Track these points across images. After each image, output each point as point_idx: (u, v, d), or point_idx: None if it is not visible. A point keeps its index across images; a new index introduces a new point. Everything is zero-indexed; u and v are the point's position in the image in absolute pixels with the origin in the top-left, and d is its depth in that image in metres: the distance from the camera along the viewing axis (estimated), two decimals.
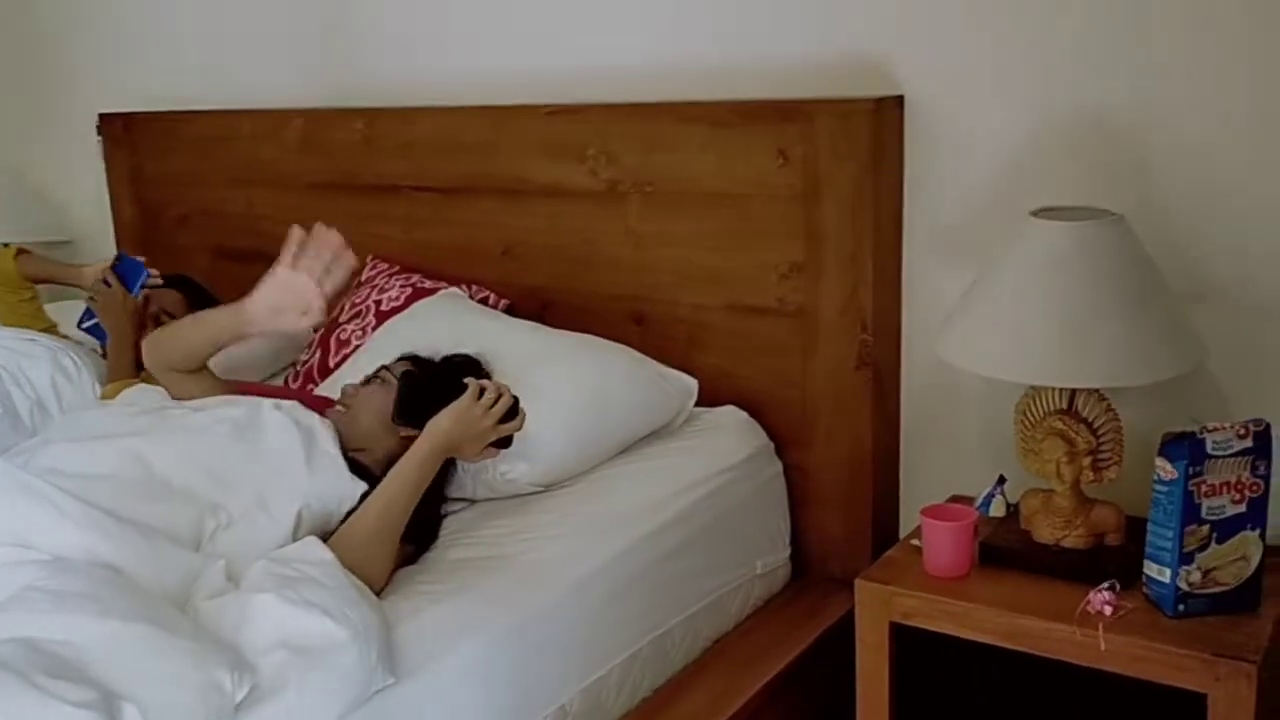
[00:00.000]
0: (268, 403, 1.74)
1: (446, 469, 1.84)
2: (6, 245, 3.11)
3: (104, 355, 2.44)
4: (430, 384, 1.75)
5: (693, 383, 2.08)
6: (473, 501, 1.87)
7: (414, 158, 2.52)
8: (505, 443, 1.74)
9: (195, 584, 1.37)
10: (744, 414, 2.10)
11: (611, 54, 2.31)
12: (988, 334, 1.67)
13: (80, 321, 2.49)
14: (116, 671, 1.12)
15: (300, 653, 1.25)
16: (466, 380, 1.72)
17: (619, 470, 1.92)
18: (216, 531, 1.50)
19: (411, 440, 1.66)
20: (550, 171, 2.32)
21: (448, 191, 2.48)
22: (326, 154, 2.66)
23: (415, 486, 1.60)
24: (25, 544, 1.33)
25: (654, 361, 2.09)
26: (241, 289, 2.67)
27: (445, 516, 1.80)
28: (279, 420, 1.69)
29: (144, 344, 1.87)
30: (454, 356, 1.89)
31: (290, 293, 1.70)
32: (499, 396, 1.69)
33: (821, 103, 1.97)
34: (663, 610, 1.79)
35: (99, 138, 3.15)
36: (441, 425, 1.64)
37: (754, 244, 2.08)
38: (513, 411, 1.71)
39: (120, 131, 3.07)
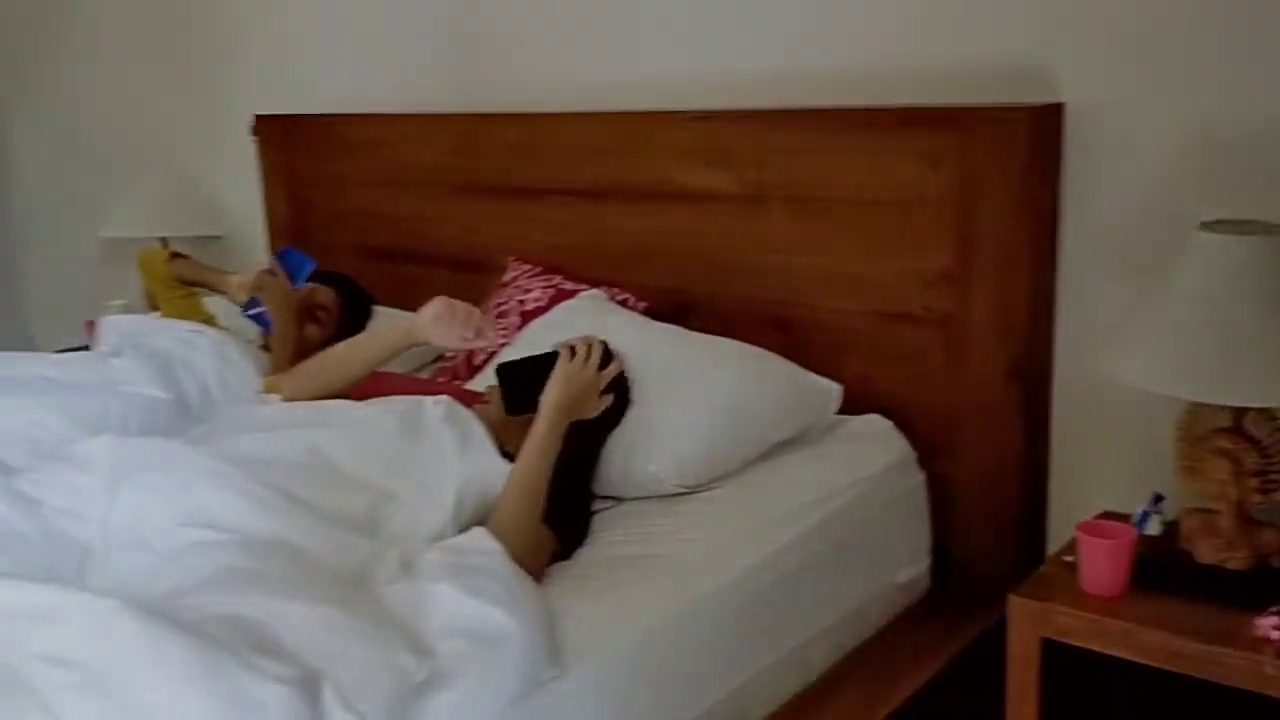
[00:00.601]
0: (428, 399, 1.80)
1: (592, 468, 1.88)
2: (165, 244, 3.29)
3: (264, 345, 2.54)
4: (524, 368, 1.79)
5: (836, 388, 2.07)
6: (620, 500, 1.91)
7: (558, 162, 2.57)
8: (617, 388, 1.81)
9: (372, 569, 1.43)
10: (887, 422, 2.09)
11: (758, 60, 2.33)
12: (1153, 347, 1.64)
13: (245, 309, 2.59)
14: (309, 651, 1.17)
15: (475, 641, 1.30)
16: (554, 347, 1.79)
17: (762, 475, 1.93)
18: (387, 518, 1.56)
19: None
20: (693, 177, 2.34)
21: (590, 195, 2.53)
22: (475, 158, 2.74)
23: (543, 461, 1.65)
24: (215, 526, 1.41)
25: (797, 366, 2.10)
26: (387, 287, 2.79)
27: (596, 514, 1.83)
28: (437, 413, 1.76)
29: (286, 380, 1.94)
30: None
31: (458, 310, 1.77)
32: (589, 347, 1.77)
33: (978, 110, 1.96)
34: (804, 618, 1.80)
35: (253, 138, 3.29)
36: (551, 397, 1.71)
37: (902, 251, 2.06)
38: (608, 355, 1.79)
39: (276, 133, 3.20)
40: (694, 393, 1.93)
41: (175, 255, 2.74)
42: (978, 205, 1.96)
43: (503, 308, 2.50)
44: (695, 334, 2.19)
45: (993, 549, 2.05)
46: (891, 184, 2.06)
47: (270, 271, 2.51)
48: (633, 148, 2.43)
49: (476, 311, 1.79)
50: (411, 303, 2.79)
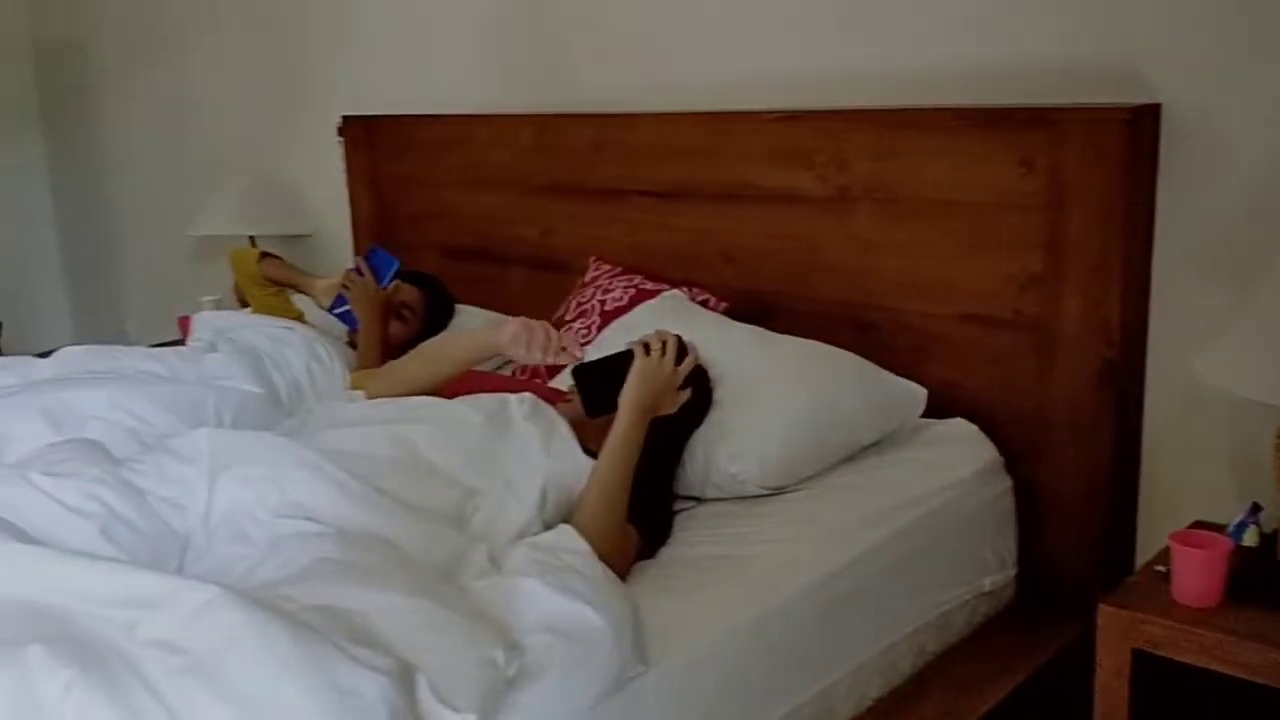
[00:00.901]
0: (512, 397, 1.82)
1: (674, 466, 1.89)
2: (254, 244, 3.38)
3: (350, 342, 2.60)
4: (600, 369, 1.79)
5: (921, 392, 2.05)
6: (700, 500, 1.91)
7: (638, 162, 2.58)
8: (697, 383, 1.82)
9: (460, 563, 1.45)
10: (973, 427, 2.06)
11: (842, 58, 2.31)
12: (1250, 353, 1.59)
13: (332, 307, 2.64)
14: (404, 643, 1.20)
15: (562, 637, 1.31)
16: (629, 345, 1.79)
17: (846, 478, 1.92)
18: (473, 513, 1.58)
19: None
20: (775, 177, 2.33)
21: (670, 195, 2.54)
22: (555, 159, 2.76)
23: (626, 460, 1.65)
24: (311, 518, 1.45)
25: (880, 369, 2.08)
26: (468, 286, 2.83)
27: (678, 513, 1.84)
28: (522, 411, 1.78)
29: (370, 383, 1.96)
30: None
31: (536, 332, 1.78)
32: (663, 343, 1.77)
33: (1071, 110, 1.92)
34: (889, 623, 1.78)
35: (340, 139, 3.36)
36: (629, 395, 1.71)
37: (990, 254, 2.04)
38: (684, 349, 1.79)
39: (361, 134, 3.26)
40: (777, 394, 1.93)
41: (265, 255, 2.81)
42: (1070, 207, 1.92)
43: (583, 307, 2.52)
44: (777, 335, 2.18)
45: (1081, 557, 2.01)
46: (980, 185, 2.03)
47: (357, 270, 2.56)
48: (713, 148, 2.43)
49: (555, 333, 1.78)
50: (492, 301, 2.86)
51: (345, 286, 2.57)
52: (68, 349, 2.30)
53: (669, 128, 2.52)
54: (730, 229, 2.44)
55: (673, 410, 1.79)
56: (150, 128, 4.22)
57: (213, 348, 2.45)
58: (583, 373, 1.79)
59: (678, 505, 1.87)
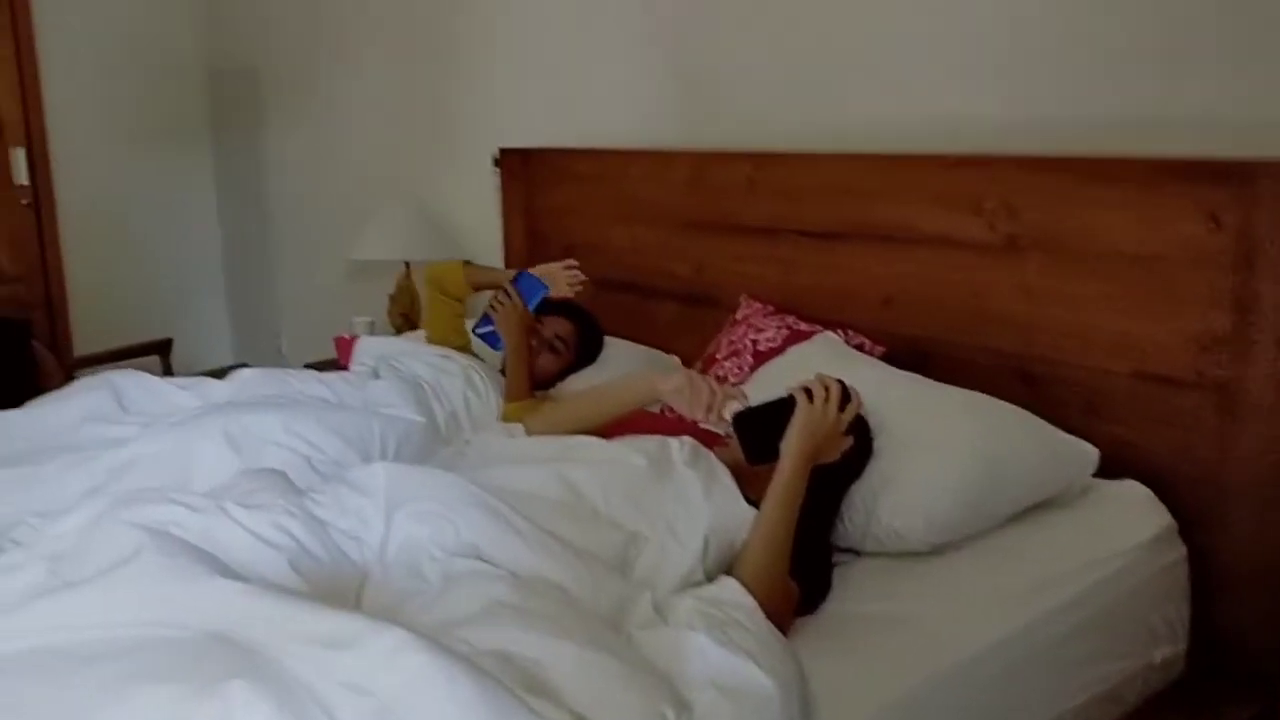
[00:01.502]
0: (673, 440, 1.82)
1: (832, 518, 1.86)
2: (409, 270, 3.47)
3: (502, 369, 2.63)
4: (761, 416, 1.74)
5: (1093, 451, 1.98)
6: (859, 553, 1.88)
7: (796, 201, 2.56)
8: (858, 429, 1.78)
9: (625, 611, 1.45)
10: (1146, 490, 1.98)
11: (1015, 104, 2.25)
12: None
13: (476, 326, 2.66)
14: (578, 694, 1.20)
15: (729, 695, 1.29)
16: (789, 391, 1.74)
17: (1011, 539, 1.86)
18: (635, 559, 1.59)
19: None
20: (941, 222, 2.29)
21: (828, 236, 2.51)
22: (709, 195, 2.76)
23: (789, 510, 1.63)
24: (484, 558, 1.47)
25: (1049, 425, 2.01)
26: (617, 318, 2.84)
27: (835, 566, 1.81)
28: (683, 455, 1.78)
29: (532, 419, 1.98)
30: None
31: (700, 389, 1.76)
32: (826, 388, 1.72)
33: (1263, 164, 1.83)
34: (1056, 694, 1.72)
35: (496, 169, 3.44)
36: (792, 444, 1.67)
37: (1171, 311, 1.95)
38: (846, 395, 1.74)
39: (517, 165, 3.33)
40: (942, 447, 1.88)
41: (467, 264, 2.82)
42: (1259, 266, 1.83)
43: (735, 345, 2.51)
44: (939, 384, 2.13)
45: (1262, 632, 1.90)
46: (1162, 240, 1.95)
47: (505, 294, 2.58)
48: (875, 189, 2.40)
49: (719, 392, 1.75)
50: (640, 334, 2.88)
51: (492, 308, 2.59)
52: (242, 371, 2.40)
53: (829, 167, 2.50)
54: (890, 272, 2.40)
55: (835, 458, 1.76)
56: (312, 152, 4.40)
57: (376, 374, 2.53)
58: (744, 419, 1.74)
59: (835, 558, 1.84)
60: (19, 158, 3.81)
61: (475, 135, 3.59)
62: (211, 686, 1.08)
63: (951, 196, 2.26)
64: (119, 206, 4.64)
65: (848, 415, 1.73)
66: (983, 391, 2.10)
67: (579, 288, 2.59)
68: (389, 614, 1.36)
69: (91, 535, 1.34)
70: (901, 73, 2.44)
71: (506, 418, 2.40)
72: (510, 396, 2.50)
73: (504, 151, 3.37)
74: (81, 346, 4.12)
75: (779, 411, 1.72)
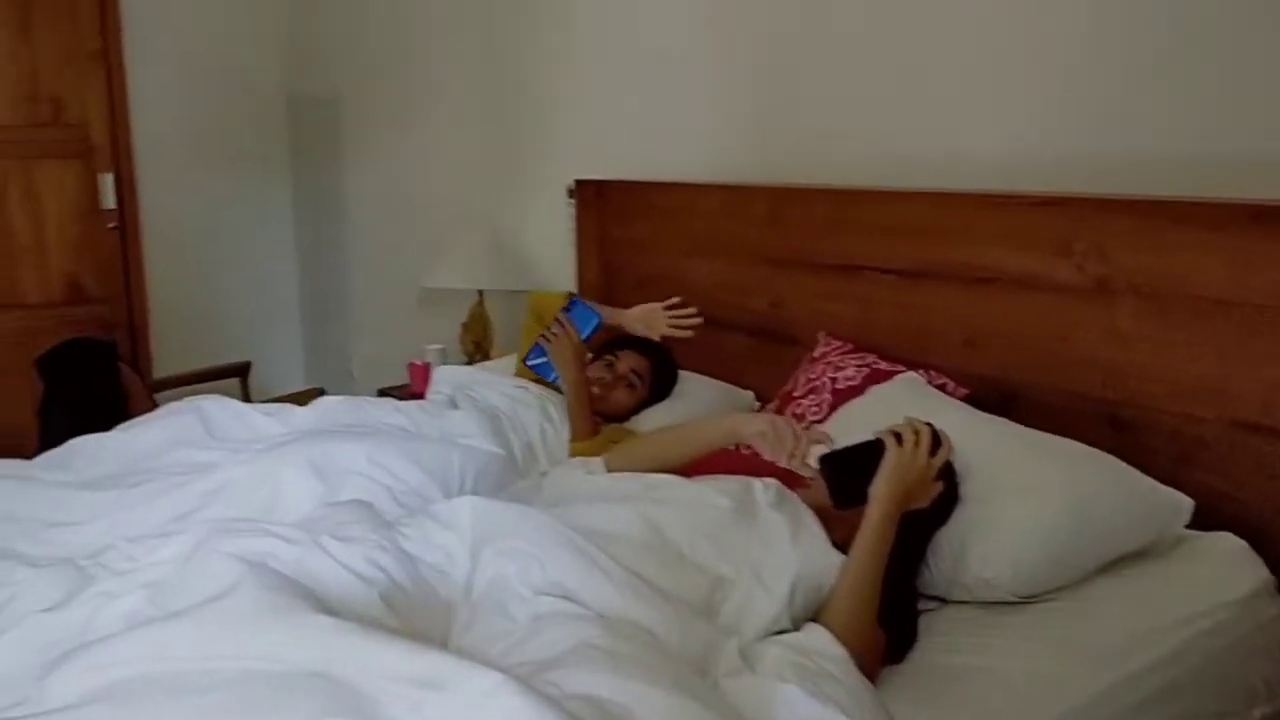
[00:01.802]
0: (756, 482, 1.81)
1: (918, 565, 1.83)
2: (481, 299, 3.50)
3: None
4: (849, 459, 1.71)
5: (1187, 502, 1.92)
6: (945, 601, 1.84)
7: (876, 238, 2.54)
8: (947, 475, 1.74)
9: (712, 657, 1.43)
10: (1242, 543, 1.91)
11: (1108, 144, 2.21)
12: None
13: (528, 357, 2.63)
14: None
15: None
16: (877, 435, 1.71)
17: (1104, 591, 1.81)
18: (721, 603, 1.57)
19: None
20: (1026, 262, 2.25)
21: (909, 275, 2.49)
22: (788, 231, 2.75)
23: (878, 557, 1.60)
24: (571, 598, 1.46)
25: (1140, 473, 1.96)
26: (690, 352, 2.83)
27: (922, 614, 1.77)
28: (768, 498, 1.76)
29: (613, 456, 1.96)
30: None
31: (784, 434, 1.73)
32: (916, 432, 1.69)
33: None
34: None
35: (570, 201, 3.46)
36: (882, 489, 1.65)
37: (1267, 358, 1.90)
38: (936, 440, 1.71)
39: (592, 196, 3.35)
40: (1031, 493, 1.84)
41: (572, 295, 2.77)
42: None
43: (813, 383, 2.49)
44: (1025, 428, 2.09)
45: None
46: (1258, 285, 1.90)
47: (558, 323, 2.55)
48: (959, 228, 2.37)
49: (803, 436, 1.73)
50: (715, 369, 2.87)
51: (544, 338, 2.56)
52: (325, 399, 2.42)
53: (911, 205, 2.48)
54: (973, 312, 2.37)
55: (924, 504, 1.73)
56: (388, 181, 4.47)
57: (453, 404, 2.54)
58: (832, 462, 1.71)
59: (921, 605, 1.81)
60: (107, 183, 3.91)
61: (550, 166, 3.62)
62: None
63: (1038, 237, 2.23)
64: (200, 231, 4.74)
65: (938, 460, 1.70)
66: (1070, 436, 2.06)
67: (689, 333, 2.52)
68: (477, 653, 1.36)
69: (191, 565, 1.36)
70: (986, 109, 2.41)
71: (573, 454, 2.39)
72: (576, 436, 2.48)
73: (579, 183, 3.39)
74: (160, 368, 4.21)
75: (867, 455, 1.70)
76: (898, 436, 1.70)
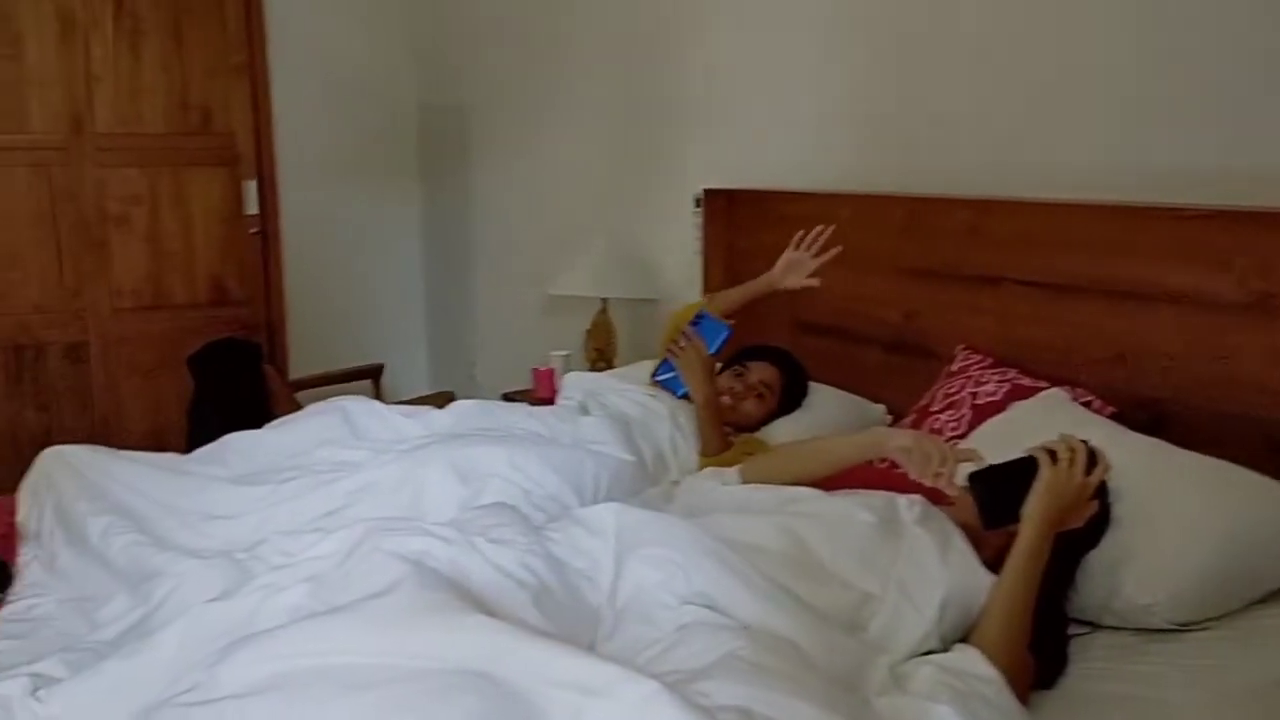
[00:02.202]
0: (900, 498, 1.77)
1: (1067, 588, 1.77)
2: (605, 306, 3.54)
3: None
4: (1000, 476, 1.66)
5: None
6: (1096, 626, 1.78)
7: (1023, 251, 2.47)
8: (1102, 494, 1.67)
9: (861, 674, 1.41)
10: None
11: (1272, 156, 2.11)
12: None
13: (655, 373, 2.62)
14: None
15: None
16: (1030, 453, 1.64)
17: (1265, 621, 1.73)
18: (867, 620, 1.54)
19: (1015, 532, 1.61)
20: (1183, 277, 2.16)
21: (1057, 289, 2.41)
22: (926, 241, 2.70)
23: (1032, 580, 1.56)
24: (715, 608, 1.46)
25: None
26: (819, 363, 2.79)
27: (1072, 638, 1.71)
28: (913, 514, 1.72)
29: (750, 467, 1.94)
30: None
31: (930, 451, 1.69)
32: (1071, 450, 1.62)
33: None
34: None
35: (697, 209, 3.46)
36: (1035, 510, 1.59)
37: None
38: (1093, 458, 1.64)
39: (722, 206, 3.34)
40: (1189, 518, 1.77)
41: (710, 298, 2.73)
42: None
43: (952, 398, 2.43)
44: (1181, 449, 2.00)
45: None
46: None
47: (685, 337, 2.51)
48: (1110, 241, 2.29)
49: (951, 454, 1.67)
50: (845, 380, 2.82)
51: (671, 353, 2.54)
52: (461, 403, 2.47)
53: (1059, 216, 2.40)
54: (1124, 328, 2.28)
55: (1079, 525, 1.66)
56: (515, 188, 4.54)
57: (584, 409, 2.56)
58: (982, 480, 1.66)
59: (1071, 630, 1.75)
60: (250, 189, 4.07)
61: (677, 175, 3.62)
62: None
63: (1195, 251, 2.14)
64: (333, 236, 4.90)
65: (1095, 479, 1.64)
66: (1228, 460, 1.96)
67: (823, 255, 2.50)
68: (623, 660, 1.36)
69: (353, 561, 1.39)
70: (1139, 118, 2.32)
71: (702, 467, 2.37)
72: (706, 451, 2.46)
73: (707, 192, 3.39)
74: (294, 368, 4.35)
75: (1020, 473, 1.64)
76: (1052, 454, 1.64)
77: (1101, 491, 1.72)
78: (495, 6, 4.52)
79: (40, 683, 1.37)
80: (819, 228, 2.53)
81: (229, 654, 1.27)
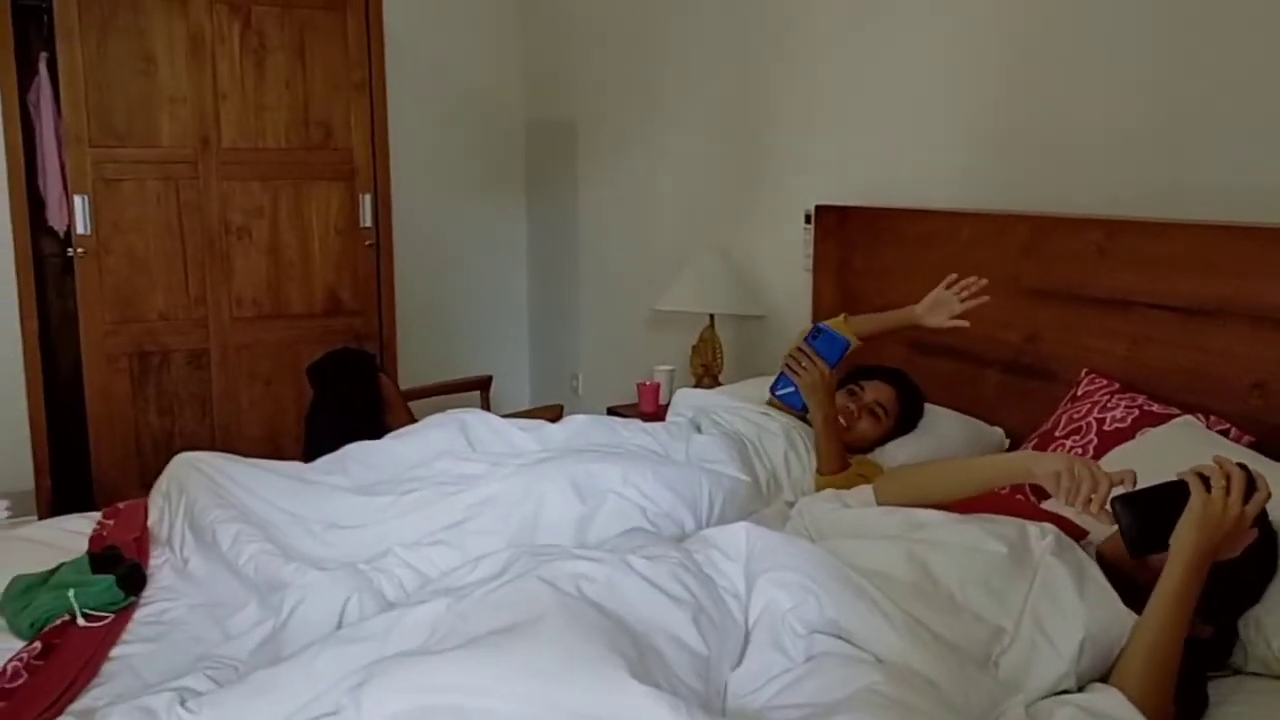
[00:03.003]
0: (1032, 526, 1.72)
1: (1229, 641, 1.68)
2: (712, 323, 3.53)
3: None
4: (1148, 502, 1.54)
5: None
6: (1238, 672, 1.70)
7: (1155, 273, 2.39)
8: (1263, 521, 1.54)
9: (996, 714, 1.37)
10: None
11: None
12: None
13: (774, 387, 2.56)
14: None
15: None
16: (1181, 476, 1.52)
17: None
18: (999, 656, 1.50)
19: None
20: None
21: (1191, 312, 2.32)
22: (1050, 261, 2.63)
23: (1181, 617, 1.47)
24: (846, 638, 1.43)
25: None
26: (935, 384, 2.73)
27: (1210, 680, 1.64)
28: (1046, 545, 1.66)
29: (883, 486, 1.90)
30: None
31: (1083, 477, 1.60)
32: (1227, 475, 1.49)
33: None
34: None
35: (807, 225, 3.42)
36: (1187, 540, 1.47)
37: None
38: (1251, 484, 1.50)
39: (834, 223, 3.30)
40: None
41: (846, 318, 2.68)
42: None
43: (1076, 423, 2.36)
44: None
45: None
46: None
47: (803, 353, 2.45)
48: (1245, 263, 2.20)
49: (1105, 480, 1.57)
50: (960, 402, 2.77)
51: (789, 368, 2.48)
52: (575, 418, 2.48)
53: (1193, 237, 2.31)
54: (1261, 354, 2.18)
55: (1235, 555, 1.53)
56: (621, 203, 4.57)
57: (697, 427, 2.55)
58: (1129, 505, 1.54)
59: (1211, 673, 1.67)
60: (366, 203, 4.16)
61: (785, 191, 3.60)
62: None
63: None
64: (443, 249, 5.02)
65: (1254, 508, 1.50)
66: None
67: (971, 301, 2.43)
68: (752, 685, 1.34)
69: (502, 585, 1.40)
70: (1263, 136, 2.23)
71: (819, 489, 2.34)
72: (825, 469, 2.42)
73: (819, 209, 3.36)
74: (403, 379, 4.44)
75: (1169, 499, 1.52)
76: (1205, 479, 1.51)
77: (1264, 525, 1.60)
78: (604, 24, 4.56)
79: (187, 694, 1.40)
80: (973, 278, 2.46)
81: (372, 678, 1.27)
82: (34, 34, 4.02)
